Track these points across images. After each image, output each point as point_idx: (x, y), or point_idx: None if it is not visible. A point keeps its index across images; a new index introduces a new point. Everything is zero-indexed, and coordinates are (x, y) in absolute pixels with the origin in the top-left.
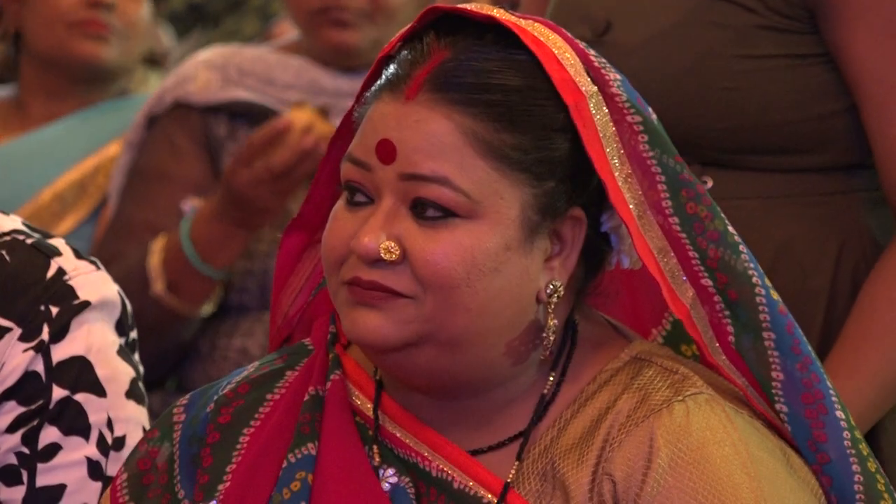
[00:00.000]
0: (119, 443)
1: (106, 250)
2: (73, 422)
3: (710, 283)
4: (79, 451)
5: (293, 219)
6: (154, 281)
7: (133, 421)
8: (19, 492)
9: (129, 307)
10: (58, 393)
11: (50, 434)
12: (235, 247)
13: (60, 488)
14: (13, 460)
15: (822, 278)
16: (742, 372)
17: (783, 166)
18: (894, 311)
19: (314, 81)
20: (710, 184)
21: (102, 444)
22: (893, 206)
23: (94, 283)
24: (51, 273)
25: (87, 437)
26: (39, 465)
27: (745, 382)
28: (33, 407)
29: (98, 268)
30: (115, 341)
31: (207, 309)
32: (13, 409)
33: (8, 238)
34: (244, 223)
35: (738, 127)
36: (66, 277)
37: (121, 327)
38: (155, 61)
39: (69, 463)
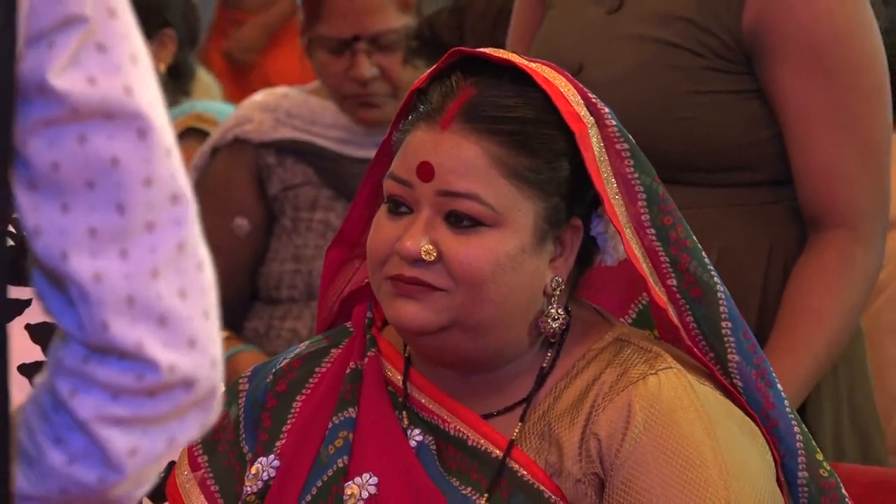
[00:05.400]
0: None
1: None
2: None
3: (674, 283)
4: None
5: (335, 236)
6: None
7: None
8: None
9: None
10: None
11: None
12: None
13: None
14: None
15: (757, 273)
16: (704, 354)
17: (725, 182)
18: (817, 299)
19: (348, 125)
20: None
21: None
22: (807, 216)
23: None
24: None
25: None
26: None
27: (711, 358)
28: None
29: None
30: None
31: None
32: None
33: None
34: None
35: (690, 150)
36: None
37: None
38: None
39: None
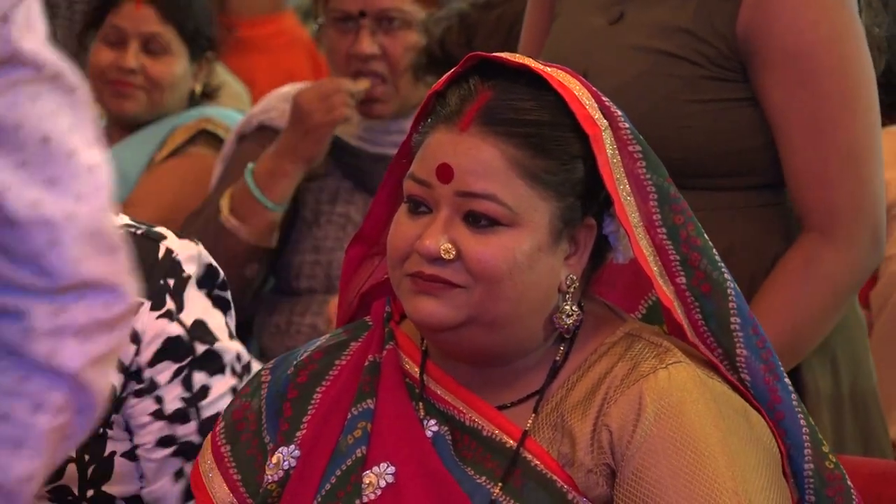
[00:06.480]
0: (247, 368)
1: (188, 221)
2: (214, 365)
3: (684, 280)
4: (223, 385)
5: (355, 233)
6: (222, 209)
7: (240, 352)
8: (193, 426)
9: (221, 273)
10: (200, 348)
11: (199, 378)
12: (288, 181)
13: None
14: (180, 405)
15: (761, 274)
16: (711, 350)
17: (726, 186)
18: (769, 299)
19: (365, 123)
20: None
21: (236, 375)
22: (798, 215)
23: (194, 257)
24: (161, 253)
25: (224, 373)
26: (200, 403)
27: (719, 354)
28: (184, 363)
29: (197, 243)
30: (207, 300)
31: (264, 241)
32: (169, 367)
33: (121, 231)
34: (298, 153)
35: (691, 156)
36: (174, 255)
37: (210, 287)
38: (208, 95)
39: (220, 395)
